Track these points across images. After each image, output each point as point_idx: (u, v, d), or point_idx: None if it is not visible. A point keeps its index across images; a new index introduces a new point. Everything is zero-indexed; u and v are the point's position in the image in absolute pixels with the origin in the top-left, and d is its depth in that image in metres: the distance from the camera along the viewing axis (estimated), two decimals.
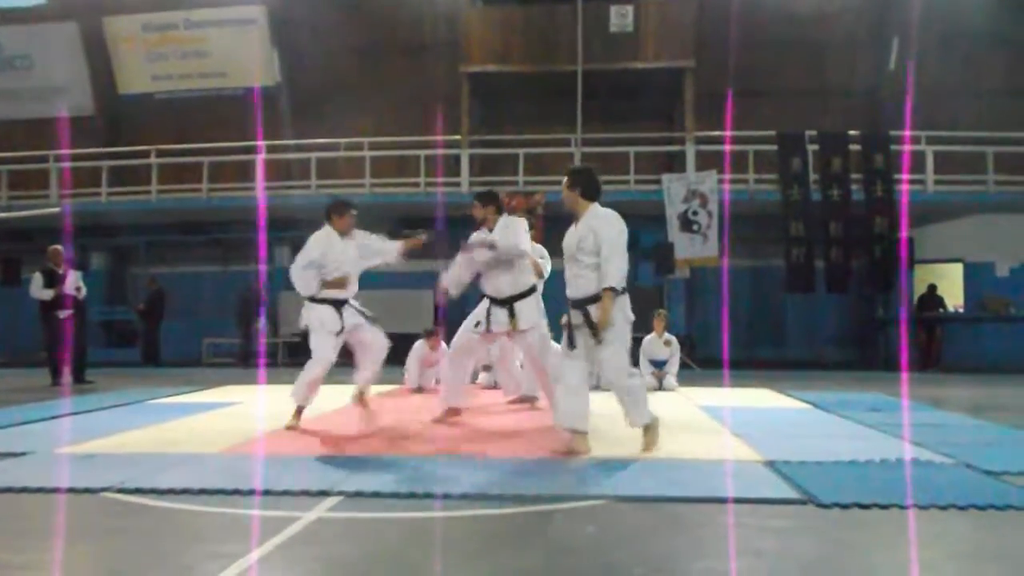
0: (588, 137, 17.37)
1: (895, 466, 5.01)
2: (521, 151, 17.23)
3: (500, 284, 6.75)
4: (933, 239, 17.14)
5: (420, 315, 15.60)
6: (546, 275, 7.71)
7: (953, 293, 17.28)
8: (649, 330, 10.63)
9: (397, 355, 10.79)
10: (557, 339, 6.23)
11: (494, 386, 9.50)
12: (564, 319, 5.56)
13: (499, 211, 6.92)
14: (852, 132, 16.34)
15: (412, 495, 4.23)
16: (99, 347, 17.44)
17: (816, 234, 15.91)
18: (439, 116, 16.91)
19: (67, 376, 11.05)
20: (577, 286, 5.46)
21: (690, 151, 17.08)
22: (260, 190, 16.87)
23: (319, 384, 6.83)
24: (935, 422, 7.11)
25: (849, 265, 15.99)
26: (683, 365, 10.98)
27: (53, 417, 7.36)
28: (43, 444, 5.81)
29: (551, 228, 9.30)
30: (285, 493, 4.28)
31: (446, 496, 4.21)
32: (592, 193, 5.61)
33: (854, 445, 5.73)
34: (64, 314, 11.03)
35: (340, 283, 6.80)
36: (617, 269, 5.32)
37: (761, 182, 16.68)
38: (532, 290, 6.87)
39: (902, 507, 3.99)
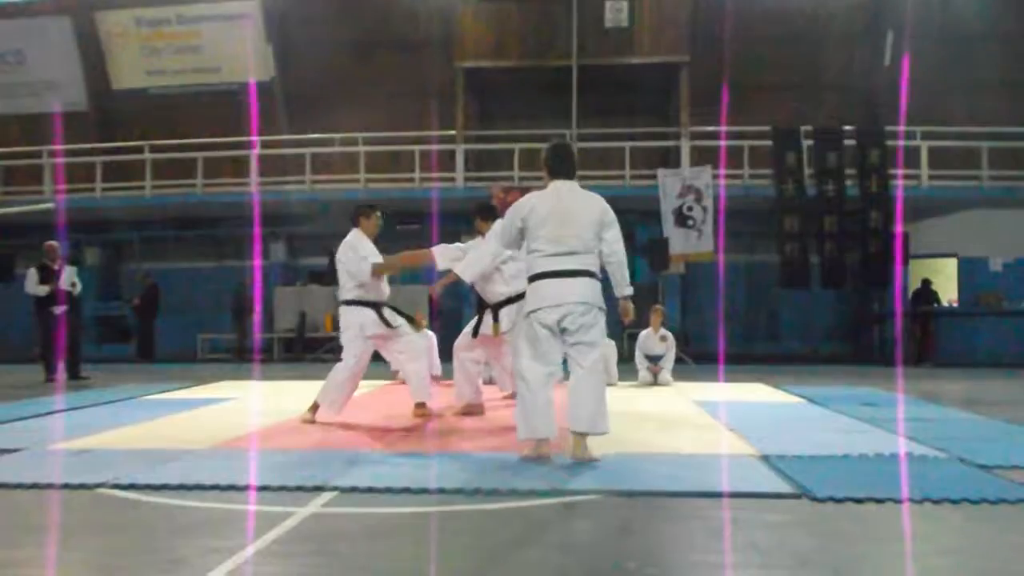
0: (583, 132, 17.38)
1: (889, 460, 5.02)
2: (516, 146, 17.22)
3: (488, 291, 6.85)
4: (927, 234, 17.17)
5: (416, 309, 15.58)
6: None
7: (947, 288, 17.34)
8: (646, 325, 10.65)
9: None
10: None
11: (490, 381, 9.51)
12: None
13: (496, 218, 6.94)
14: (847, 127, 16.36)
15: (407, 490, 4.23)
16: (94, 343, 17.43)
17: (811, 229, 15.95)
18: (434, 111, 16.92)
19: (62, 372, 11.03)
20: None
21: (685, 146, 17.10)
22: (255, 185, 16.85)
23: (347, 388, 6.83)
24: (929, 416, 7.13)
25: (844, 260, 16.01)
26: (678, 360, 11.00)
27: (48, 413, 7.35)
28: (38, 440, 5.80)
29: None
30: (280, 488, 4.28)
31: (441, 491, 4.21)
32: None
33: (848, 439, 5.75)
34: (59, 310, 11.01)
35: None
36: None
37: (756, 177, 16.71)
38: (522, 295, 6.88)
39: (896, 501, 4.00)
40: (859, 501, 4.01)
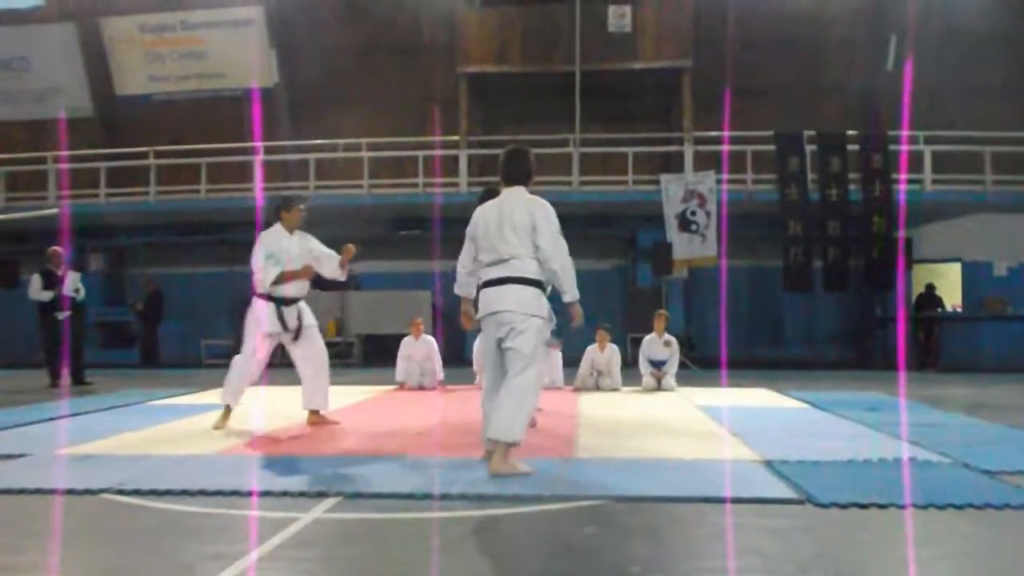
0: (586, 137, 17.39)
1: (893, 466, 5.02)
2: None
3: None
4: (931, 239, 17.15)
5: (419, 315, 15.62)
6: None
7: (951, 293, 17.29)
8: (649, 330, 10.65)
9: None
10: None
11: None
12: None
13: None
14: (850, 132, 16.35)
15: (411, 496, 4.23)
16: (98, 348, 17.45)
17: (814, 234, 15.93)
18: (437, 116, 16.93)
19: (66, 377, 11.04)
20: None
21: (688, 151, 17.10)
22: (258, 191, 16.87)
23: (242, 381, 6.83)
24: (933, 421, 7.12)
25: (847, 265, 16.00)
26: (681, 365, 10.98)
27: (52, 419, 7.36)
28: (42, 446, 5.81)
29: None
30: (284, 494, 4.29)
31: (444, 497, 4.22)
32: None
33: (852, 445, 5.74)
34: (63, 316, 11.02)
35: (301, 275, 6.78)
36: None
37: (759, 182, 16.70)
38: None
39: (900, 507, 4.00)
40: (863, 506, 4.01)
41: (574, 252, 7.32)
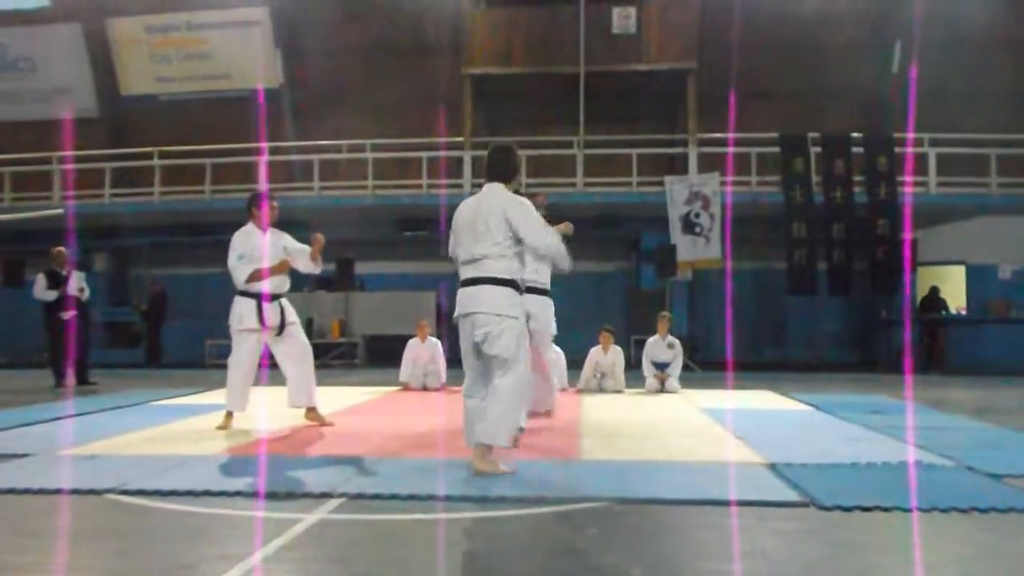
0: (590, 139, 17.39)
1: (897, 468, 5.00)
2: (524, 153, 17.17)
3: None
4: (936, 241, 17.12)
5: (423, 316, 15.65)
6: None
7: (956, 295, 17.26)
8: (653, 332, 10.64)
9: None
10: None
11: None
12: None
13: None
14: (855, 134, 16.33)
15: (414, 497, 4.23)
16: (102, 348, 17.48)
17: (818, 236, 15.90)
18: (442, 118, 16.93)
19: (70, 378, 11.06)
20: None
21: (692, 153, 17.09)
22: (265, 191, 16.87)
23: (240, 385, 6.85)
24: (937, 424, 7.10)
25: (851, 267, 15.97)
26: (685, 367, 10.97)
27: (56, 419, 7.37)
28: (46, 446, 5.82)
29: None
30: (288, 495, 4.29)
31: (448, 498, 4.22)
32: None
33: (856, 447, 5.73)
34: (67, 315, 11.03)
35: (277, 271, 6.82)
36: None
37: (763, 184, 16.68)
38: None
39: (904, 510, 3.99)
40: (867, 510, 4.00)
41: (577, 254, 7.33)
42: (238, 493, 4.32)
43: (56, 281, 11.19)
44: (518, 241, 4.82)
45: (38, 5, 20.31)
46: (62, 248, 11.47)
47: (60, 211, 14.96)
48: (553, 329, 7.36)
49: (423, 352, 10.58)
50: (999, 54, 17.98)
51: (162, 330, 17.57)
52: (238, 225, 7.09)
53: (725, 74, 17.90)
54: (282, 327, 6.84)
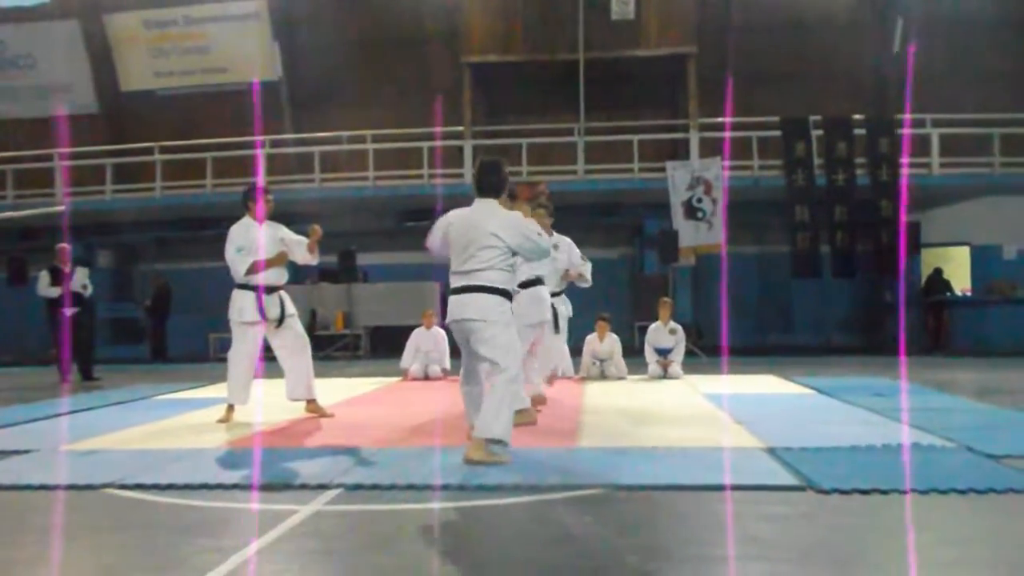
0: (591, 126, 17.32)
1: (896, 451, 4.99)
2: (524, 141, 17.17)
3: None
4: (939, 223, 17.04)
5: (427, 306, 15.66)
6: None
7: (960, 276, 17.21)
8: (655, 318, 10.62)
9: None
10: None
11: None
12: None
13: None
14: (856, 116, 16.23)
15: (411, 487, 4.23)
16: (107, 344, 17.52)
17: (821, 219, 15.83)
18: (441, 107, 16.87)
19: (74, 373, 11.10)
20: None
21: (694, 138, 17.00)
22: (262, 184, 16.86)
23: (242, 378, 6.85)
24: (939, 406, 7.09)
25: (855, 250, 15.90)
26: (689, 353, 10.95)
27: (58, 415, 7.39)
28: (47, 441, 5.84)
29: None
30: (285, 487, 4.30)
31: (445, 488, 4.22)
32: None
33: (856, 430, 5.72)
34: (69, 312, 11.06)
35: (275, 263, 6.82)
36: None
37: (765, 168, 16.61)
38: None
39: (902, 492, 3.98)
40: (865, 492, 3.99)
41: (580, 241, 7.28)
42: (235, 486, 4.34)
43: (59, 278, 11.21)
44: (513, 254, 5.05)
45: (37, 2, 20.27)
46: (64, 245, 11.49)
47: (62, 208, 14.97)
48: (538, 319, 6.91)
49: (427, 341, 10.64)
50: (1001, 33, 17.81)
51: (166, 325, 17.59)
52: (241, 218, 7.09)
53: (725, 58, 17.83)
54: (281, 319, 6.86)
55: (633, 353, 11.09)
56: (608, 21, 17.06)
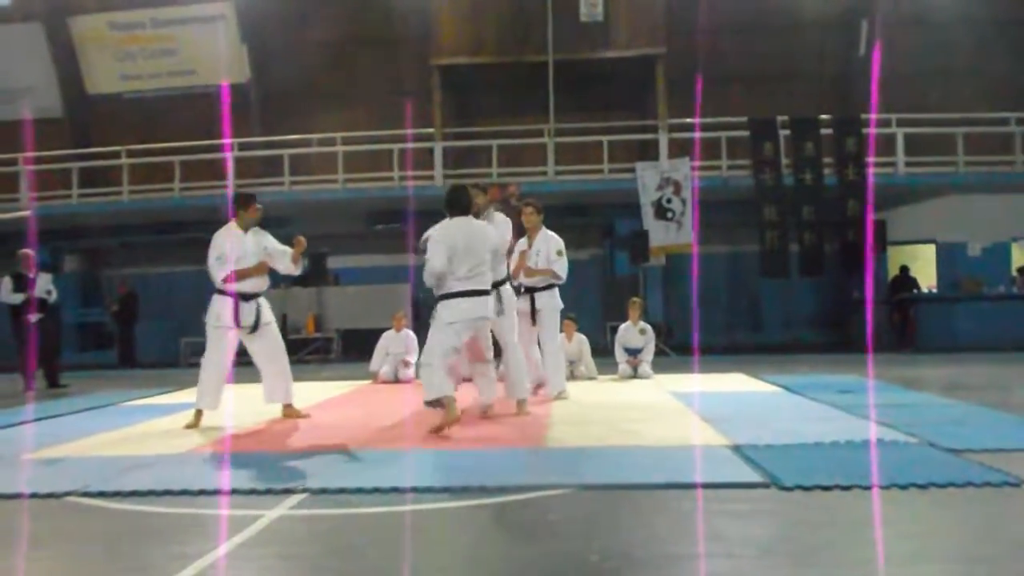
0: (561, 127, 17.36)
1: (860, 447, 5.05)
2: (494, 143, 17.19)
3: None
4: (905, 221, 17.24)
5: (398, 309, 15.60)
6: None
7: (926, 274, 17.43)
8: (626, 318, 10.65)
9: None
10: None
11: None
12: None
13: None
14: (823, 116, 16.41)
15: (376, 490, 4.22)
16: (74, 350, 17.31)
17: (789, 218, 15.98)
18: (411, 109, 16.83)
19: (39, 380, 10.94)
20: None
21: (663, 139, 17.10)
22: (229, 188, 16.72)
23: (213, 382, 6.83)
24: (904, 402, 7.18)
25: (823, 248, 16.06)
26: (659, 352, 10.99)
27: (21, 422, 7.29)
28: (10, 449, 5.75)
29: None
30: (250, 492, 4.27)
31: (413, 490, 4.21)
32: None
33: (822, 427, 5.77)
34: (34, 318, 10.90)
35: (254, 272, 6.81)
36: None
37: (734, 168, 16.74)
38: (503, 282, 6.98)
39: (863, 487, 4.03)
40: (827, 488, 4.03)
41: None
42: (200, 492, 4.30)
43: (22, 284, 11.04)
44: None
45: None
46: (27, 250, 11.32)
47: (27, 213, 14.76)
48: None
49: (397, 344, 10.58)
50: (964, 33, 18.08)
51: (135, 330, 17.39)
52: (209, 222, 7.08)
53: (694, 59, 17.94)
54: (256, 326, 6.82)
55: (605, 353, 11.12)
56: (577, 23, 17.12)
